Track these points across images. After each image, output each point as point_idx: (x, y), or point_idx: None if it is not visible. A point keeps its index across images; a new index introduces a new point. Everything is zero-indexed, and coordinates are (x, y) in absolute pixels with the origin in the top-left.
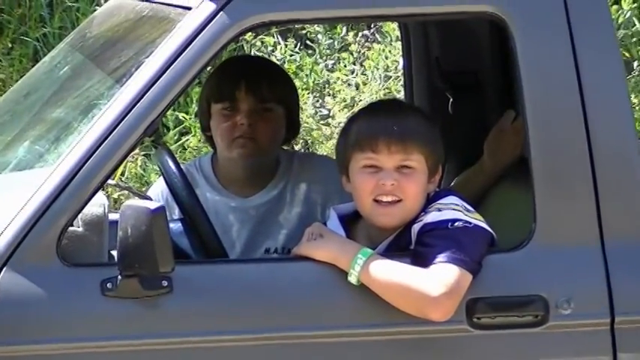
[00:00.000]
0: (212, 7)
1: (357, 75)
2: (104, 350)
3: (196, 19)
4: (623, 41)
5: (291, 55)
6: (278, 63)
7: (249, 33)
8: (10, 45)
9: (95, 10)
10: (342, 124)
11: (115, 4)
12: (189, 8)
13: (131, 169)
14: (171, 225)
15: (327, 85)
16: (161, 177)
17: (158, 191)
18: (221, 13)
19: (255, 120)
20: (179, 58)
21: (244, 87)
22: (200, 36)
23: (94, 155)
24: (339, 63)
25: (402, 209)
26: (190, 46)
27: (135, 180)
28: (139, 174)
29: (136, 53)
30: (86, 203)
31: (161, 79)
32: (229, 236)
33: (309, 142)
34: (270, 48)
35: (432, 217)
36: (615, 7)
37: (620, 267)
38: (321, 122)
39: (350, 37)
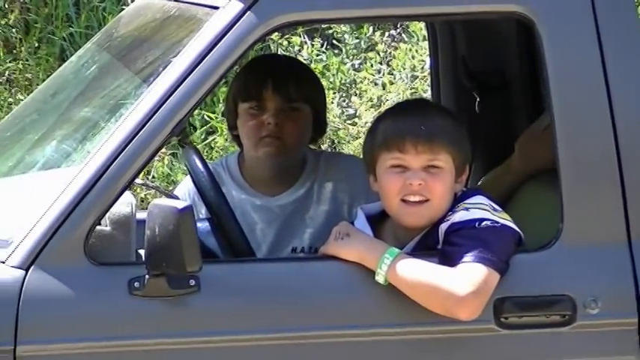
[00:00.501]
0: (239, 6)
1: (383, 75)
2: (132, 349)
3: (224, 19)
4: None
5: (317, 55)
6: (305, 62)
7: (276, 33)
8: (36, 44)
9: (122, 10)
10: (368, 124)
11: (142, 3)
12: (216, 8)
13: (158, 169)
14: (199, 224)
15: (353, 85)
16: (188, 176)
17: (185, 190)
18: (248, 12)
19: (282, 119)
20: (206, 58)
21: (271, 86)
22: (227, 36)
23: (122, 154)
24: (366, 63)
25: (429, 209)
26: (217, 46)
27: (162, 179)
28: (165, 173)
29: (163, 53)
30: (114, 202)
31: (188, 78)
32: (256, 235)
33: (335, 141)
34: (296, 48)
35: (459, 216)
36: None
37: None
38: (348, 122)
39: (377, 37)
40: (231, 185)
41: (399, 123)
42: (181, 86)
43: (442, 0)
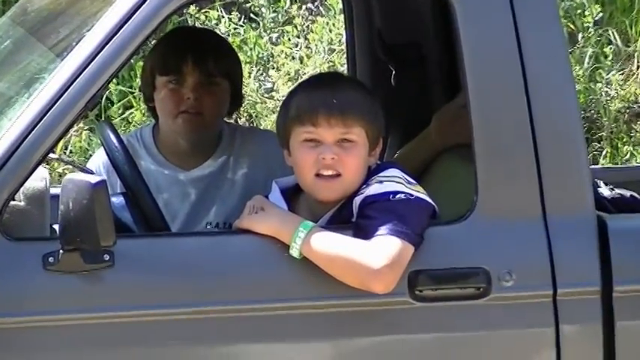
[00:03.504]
0: None
1: (301, 48)
2: (46, 324)
3: None
4: (568, 13)
5: (235, 29)
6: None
7: (193, 6)
8: None
9: None
10: None
11: None
12: None
13: (75, 143)
14: (113, 199)
15: (271, 59)
16: (100, 149)
17: (99, 163)
18: None
19: (201, 94)
20: (120, 31)
21: (191, 61)
22: (141, 9)
23: (35, 129)
24: (283, 36)
25: (343, 183)
26: (131, 19)
27: (80, 154)
28: (83, 148)
29: (77, 27)
30: (27, 177)
31: (101, 52)
32: (171, 209)
33: (253, 115)
34: (214, 21)
35: (373, 189)
36: None
37: (562, 240)
38: (265, 96)
39: (294, 10)
40: (145, 158)
41: (312, 97)
42: (95, 60)
43: None
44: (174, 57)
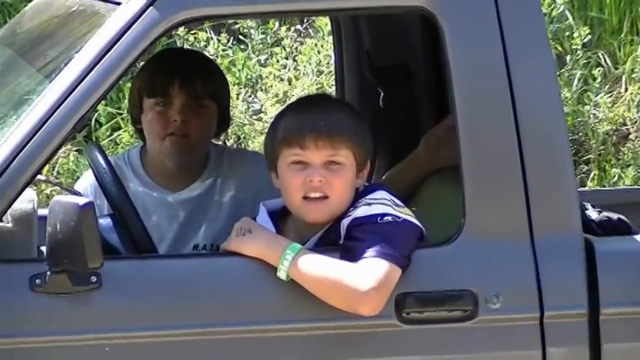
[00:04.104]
0: (142, 2)
1: (289, 70)
2: (34, 346)
3: (126, 15)
4: (556, 35)
5: (223, 50)
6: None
7: (182, 28)
8: None
9: (26, 6)
10: None
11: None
12: (118, 3)
13: (63, 165)
14: (101, 221)
15: (259, 80)
16: (88, 170)
17: (87, 184)
18: (151, 8)
19: (188, 116)
20: (108, 54)
21: (178, 83)
22: (129, 31)
23: (23, 151)
24: (272, 58)
25: (330, 205)
26: (119, 42)
27: (67, 175)
28: (71, 169)
29: (66, 48)
30: (15, 199)
31: (90, 74)
32: (158, 231)
33: (241, 137)
34: (202, 43)
35: (361, 211)
36: (548, 0)
37: (549, 262)
38: (254, 117)
39: (282, 32)
40: (133, 180)
41: (300, 119)
42: (83, 82)
43: None
44: (162, 79)
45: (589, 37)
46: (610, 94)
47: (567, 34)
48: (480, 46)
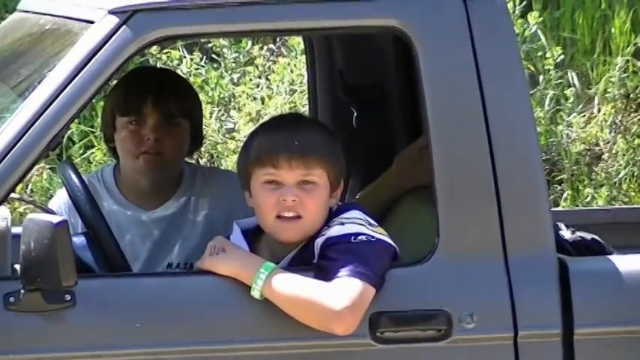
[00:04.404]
0: (115, 20)
1: (262, 89)
2: None
3: (99, 33)
4: (529, 55)
5: (196, 69)
6: (184, 76)
7: (155, 46)
8: None
9: None
10: None
11: (17, 17)
12: (92, 22)
13: (37, 183)
14: (75, 239)
15: (232, 99)
16: (62, 189)
17: (60, 203)
18: (123, 26)
19: (162, 135)
20: (81, 72)
21: (151, 101)
22: (102, 50)
23: None
24: (245, 77)
25: (303, 225)
26: (92, 60)
27: (41, 193)
28: (44, 187)
29: (39, 67)
30: None
31: (63, 92)
32: (132, 249)
33: (214, 155)
34: (175, 62)
35: (334, 231)
36: (521, 20)
37: (523, 281)
38: (227, 136)
39: (255, 51)
40: (106, 198)
41: (273, 138)
42: (56, 100)
43: (319, 14)
44: (134, 97)
45: (562, 57)
46: (583, 114)
47: (540, 54)
48: (452, 65)
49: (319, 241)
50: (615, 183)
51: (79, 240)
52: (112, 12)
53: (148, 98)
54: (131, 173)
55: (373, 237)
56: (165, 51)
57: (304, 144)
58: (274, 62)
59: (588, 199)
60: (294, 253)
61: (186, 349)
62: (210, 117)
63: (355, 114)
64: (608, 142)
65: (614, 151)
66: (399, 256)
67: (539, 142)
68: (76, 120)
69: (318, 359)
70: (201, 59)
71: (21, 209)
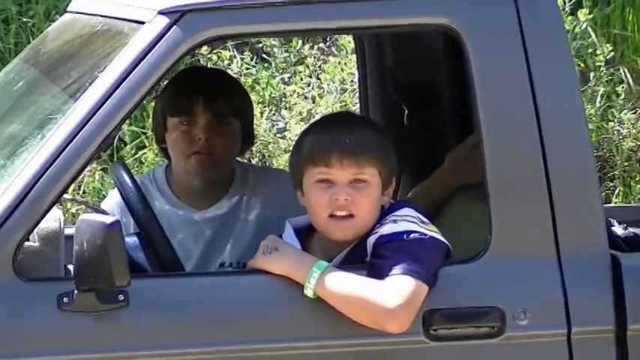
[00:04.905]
0: (165, 21)
1: (313, 88)
2: None
3: (150, 33)
4: (580, 52)
5: (247, 69)
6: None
7: (205, 47)
8: None
9: (50, 26)
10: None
11: (68, 19)
12: (142, 22)
13: (89, 184)
14: (127, 239)
15: (283, 99)
16: (114, 189)
17: (113, 203)
18: (174, 27)
19: (213, 134)
20: (132, 73)
21: (202, 101)
22: (153, 51)
23: (49, 170)
24: (295, 76)
25: (356, 223)
26: (144, 61)
27: (93, 194)
28: (97, 188)
29: (90, 68)
30: (42, 218)
31: (115, 93)
32: (184, 249)
33: (265, 155)
34: (226, 62)
35: (387, 229)
36: (571, 17)
37: (575, 278)
38: (278, 136)
39: (306, 50)
40: (158, 199)
41: (324, 137)
42: (108, 101)
43: (369, 13)
44: (185, 98)
45: (612, 53)
46: (634, 111)
47: (590, 50)
48: (503, 63)
49: (372, 240)
50: None
51: (131, 240)
52: (162, 12)
53: (198, 98)
54: (183, 173)
55: (426, 234)
56: (215, 51)
57: (356, 143)
58: (325, 61)
59: None
60: (346, 252)
61: (239, 349)
62: (261, 117)
63: (406, 112)
64: None
65: None
66: (451, 253)
67: (590, 138)
68: (127, 121)
69: (372, 357)
70: (252, 59)
71: (74, 210)
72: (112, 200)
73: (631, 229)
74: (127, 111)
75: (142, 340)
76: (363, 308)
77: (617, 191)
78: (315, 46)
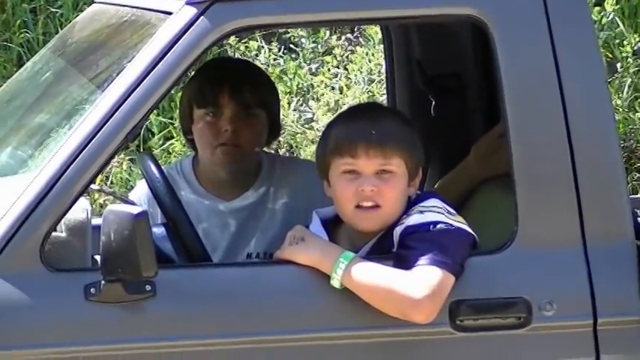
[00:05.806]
0: (193, 11)
1: (340, 78)
2: (88, 355)
3: (177, 24)
4: (607, 43)
5: (274, 59)
6: (261, 67)
7: (233, 37)
8: None
9: (78, 16)
10: None
11: (96, 9)
12: (170, 13)
13: (117, 174)
14: (154, 229)
15: (310, 89)
16: (142, 180)
17: (140, 194)
18: (202, 17)
19: (239, 126)
20: (160, 63)
21: (227, 92)
22: (181, 41)
23: (77, 160)
24: (323, 67)
25: (382, 214)
26: (171, 51)
27: (121, 185)
28: (124, 179)
29: (117, 58)
30: (69, 208)
31: (142, 84)
32: (211, 240)
33: (292, 145)
34: (254, 52)
35: (413, 219)
36: (597, 8)
37: (601, 268)
38: (305, 126)
39: (333, 41)
40: (186, 190)
41: (351, 128)
42: (135, 92)
43: (396, 3)
44: (211, 89)
45: (639, 44)
46: None
47: (618, 41)
48: (530, 53)
49: (398, 230)
50: None
51: (159, 231)
52: (189, 3)
53: (224, 89)
54: (209, 164)
55: (452, 225)
56: (243, 41)
57: (382, 133)
58: (352, 52)
59: None
60: (373, 242)
61: (265, 339)
62: (289, 107)
63: (433, 103)
64: None
65: None
66: (477, 244)
67: (617, 129)
68: (155, 111)
69: (399, 347)
70: (279, 49)
71: (101, 200)
72: (140, 191)
73: None
74: (154, 102)
75: (169, 330)
76: (389, 299)
77: None
78: (343, 37)
